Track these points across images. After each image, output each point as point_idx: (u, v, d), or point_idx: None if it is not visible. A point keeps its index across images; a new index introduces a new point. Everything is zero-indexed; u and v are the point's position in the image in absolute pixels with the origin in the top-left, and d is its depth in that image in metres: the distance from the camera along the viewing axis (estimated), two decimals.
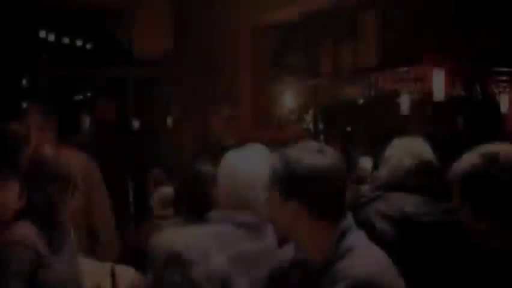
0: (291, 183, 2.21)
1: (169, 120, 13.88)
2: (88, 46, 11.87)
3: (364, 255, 2.21)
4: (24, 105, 13.02)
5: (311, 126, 12.67)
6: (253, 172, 2.64)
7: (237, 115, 5.05)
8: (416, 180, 3.22)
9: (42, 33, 11.18)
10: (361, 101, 9.37)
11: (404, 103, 8.12)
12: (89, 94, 14.25)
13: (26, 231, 3.06)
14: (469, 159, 2.55)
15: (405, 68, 6.56)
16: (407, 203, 3.15)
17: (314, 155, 2.21)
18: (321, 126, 12.82)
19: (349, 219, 2.28)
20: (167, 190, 9.10)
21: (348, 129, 12.24)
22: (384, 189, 3.26)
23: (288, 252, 2.43)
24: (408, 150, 3.28)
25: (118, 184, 5.99)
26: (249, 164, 2.66)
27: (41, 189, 3.15)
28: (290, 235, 2.34)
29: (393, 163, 3.27)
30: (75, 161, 3.34)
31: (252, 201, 2.65)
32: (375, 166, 5.62)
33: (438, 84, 6.31)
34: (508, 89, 7.01)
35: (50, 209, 3.14)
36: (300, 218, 2.22)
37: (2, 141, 4.05)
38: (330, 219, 2.23)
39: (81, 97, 14.84)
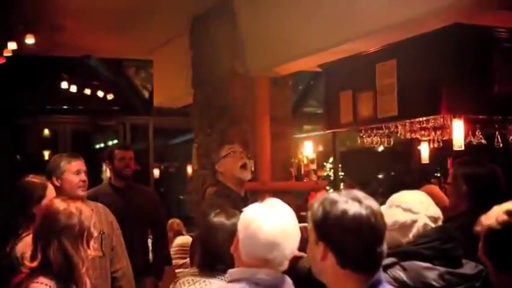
0: (322, 225, 2.22)
1: (189, 169, 13.96)
2: (109, 96, 11.97)
3: None
4: (47, 154, 13.21)
5: (332, 173, 12.67)
6: (273, 231, 2.64)
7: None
8: (438, 248, 3.16)
9: (64, 84, 11.31)
10: (381, 149, 9.39)
11: (424, 152, 8.12)
12: (110, 143, 14.37)
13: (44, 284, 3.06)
14: (495, 215, 2.55)
15: (424, 118, 6.55)
16: (429, 274, 3.09)
17: (351, 202, 2.21)
18: (341, 173, 12.83)
19: (380, 274, 2.27)
20: (185, 239, 9.12)
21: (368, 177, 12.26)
22: (400, 256, 3.18)
23: None
24: (428, 212, 3.22)
25: (136, 233, 6.00)
26: (269, 223, 2.66)
27: (54, 243, 3.14)
28: (320, 277, 2.34)
29: (413, 230, 3.19)
30: (90, 212, 3.35)
31: (271, 260, 2.65)
32: None
33: (458, 133, 6.29)
34: None
35: (66, 262, 3.13)
36: (328, 262, 2.23)
37: (18, 193, 4.11)
38: (358, 269, 2.22)
39: (102, 145, 14.96)
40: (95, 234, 3.28)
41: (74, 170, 4.75)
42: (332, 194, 2.27)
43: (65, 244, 3.13)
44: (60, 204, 3.23)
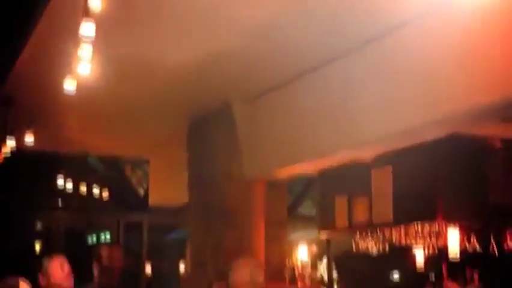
0: None
1: (182, 266, 13.84)
2: (105, 194, 12.00)
3: None
4: (38, 247, 13.13)
5: (325, 275, 12.57)
6: None
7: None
8: None
9: (60, 181, 11.34)
10: (375, 254, 9.35)
11: (419, 258, 8.10)
12: (103, 238, 14.31)
13: None
14: None
15: (420, 224, 6.58)
16: None
17: None
18: (334, 276, 12.71)
19: None
20: None
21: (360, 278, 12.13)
22: None
23: None
24: None
25: None
26: None
27: None
28: None
29: None
30: None
31: None
32: None
33: (453, 241, 6.32)
34: None
35: None
36: None
37: None
38: None
39: (95, 241, 14.88)
40: None
41: (57, 265, 4.79)
42: None
43: None
44: None
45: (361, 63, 5.68)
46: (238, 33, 5.53)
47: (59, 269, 4.78)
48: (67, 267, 4.84)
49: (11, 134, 7.76)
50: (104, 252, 6.13)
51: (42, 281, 4.68)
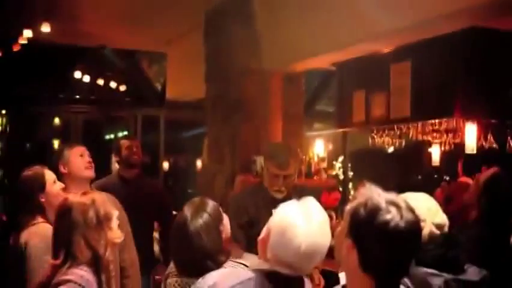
0: (359, 227, 2.20)
1: (199, 163, 13.96)
2: (122, 88, 11.99)
3: None
4: (57, 143, 13.25)
5: (341, 172, 12.65)
6: (308, 245, 2.61)
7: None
8: (443, 255, 3.14)
9: (77, 74, 11.32)
10: (391, 150, 9.37)
11: (435, 154, 8.11)
12: (120, 134, 14.39)
13: (81, 272, 3.08)
14: None
15: (437, 120, 6.55)
16: (435, 281, 3.08)
17: (394, 212, 2.18)
18: (350, 173, 12.80)
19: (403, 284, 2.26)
20: None
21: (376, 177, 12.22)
22: None
23: None
24: (434, 220, 3.20)
25: (143, 224, 5.99)
26: (305, 235, 2.62)
27: (75, 239, 3.15)
28: (339, 264, 2.33)
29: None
30: (103, 197, 3.38)
31: (297, 267, 2.65)
32: None
33: (471, 137, 6.29)
34: None
35: (91, 254, 3.14)
36: (351, 258, 2.21)
37: (18, 189, 4.19)
38: (377, 277, 2.20)
39: (112, 137, 14.98)
40: (115, 214, 3.30)
41: (77, 153, 4.78)
42: (376, 198, 2.21)
43: (87, 238, 3.14)
44: (73, 200, 3.25)
45: None
46: None
47: (79, 157, 4.80)
48: (87, 156, 4.85)
49: (28, 24, 7.73)
50: (124, 145, 6.20)
51: (63, 170, 4.71)
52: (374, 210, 2.18)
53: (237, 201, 4.94)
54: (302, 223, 2.61)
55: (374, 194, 2.24)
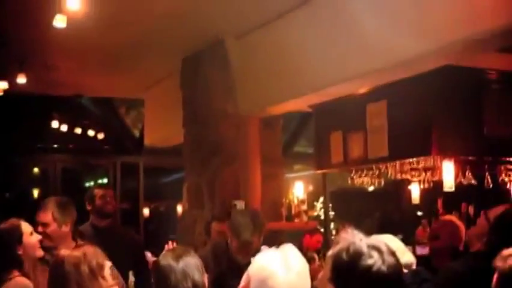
0: (342, 273, 2.23)
1: (179, 208, 13.91)
2: (100, 136, 11.97)
3: None
4: (36, 192, 13.17)
5: (322, 213, 12.63)
6: (286, 285, 2.61)
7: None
8: None
9: (55, 124, 11.30)
10: (371, 189, 9.39)
11: (414, 192, 8.14)
12: (100, 181, 14.34)
13: None
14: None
15: (415, 159, 6.58)
16: None
17: (376, 256, 2.21)
18: (331, 213, 12.79)
19: None
20: None
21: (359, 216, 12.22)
22: None
23: None
24: (403, 260, 3.22)
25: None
26: (285, 283, 2.62)
27: None
28: None
29: None
30: (93, 248, 3.40)
31: None
32: None
33: (448, 174, 6.32)
34: None
35: None
36: None
37: None
38: None
39: (92, 184, 14.91)
40: (107, 265, 3.31)
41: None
42: (358, 243, 2.25)
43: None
44: (64, 254, 3.28)
45: None
46: None
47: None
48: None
49: (2, 75, 7.72)
50: (97, 195, 6.16)
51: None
52: (356, 255, 2.20)
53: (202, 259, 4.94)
54: (282, 272, 2.60)
55: (355, 238, 2.25)
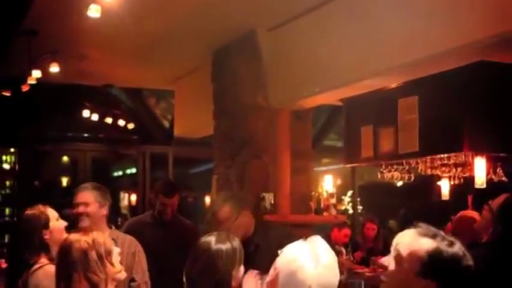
0: (438, 264, 2.42)
1: (207, 199, 13.96)
2: (130, 126, 12.03)
3: None
4: (65, 181, 13.28)
5: (350, 207, 12.63)
6: (319, 283, 2.62)
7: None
8: None
9: (86, 113, 11.38)
10: (400, 184, 9.34)
11: (444, 188, 8.10)
12: (128, 171, 14.43)
13: None
14: None
15: (446, 155, 6.54)
16: None
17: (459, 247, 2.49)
18: (359, 207, 12.79)
19: None
20: None
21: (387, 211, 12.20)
22: None
23: None
24: None
25: (176, 266, 5.99)
26: (314, 276, 2.63)
27: (75, 275, 3.19)
28: None
29: None
30: (103, 235, 3.42)
31: None
32: None
33: (480, 171, 6.28)
34: None
35: None
36: None
37: (21, 228, 4.24)
38: None
39: (120, 173, 15.02)
40: (115, 250, 3.32)
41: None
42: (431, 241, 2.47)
43: (86, 275, 3.17)
44: (72, 238, 3.30)
45: None
46: None
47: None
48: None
49: (35, 64, 7.79)
50: (161, 199, 6.37)
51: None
52: (457, 254, 2.44)
53: None
54: (311, 265, 2.60)
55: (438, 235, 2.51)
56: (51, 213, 4.29)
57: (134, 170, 13.71)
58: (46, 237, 4.13)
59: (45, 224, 4.17)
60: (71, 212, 4.89)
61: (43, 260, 4.04)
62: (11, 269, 4.77)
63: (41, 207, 4.30)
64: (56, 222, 4.25)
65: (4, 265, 7.61)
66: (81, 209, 4.84)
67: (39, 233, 4.13)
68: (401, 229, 2.73)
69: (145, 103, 12.97)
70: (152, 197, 6.62)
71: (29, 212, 4.28)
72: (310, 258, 2.62)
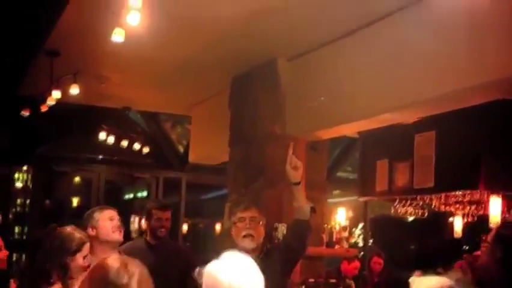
0: None
1: (217, 226, 13.96)
2: (145, 149, 12.06)
3: None
4: (75, 201, 13.32)
5: (360, 240, 12.58)
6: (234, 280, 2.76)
7: None
8: None
9: (102, 135, 11.42)
10: (411, 219, 9.32)
11: (457, 225, 8.07)
12: (139, 194, 14.45)
13: None
14: None
15: (461, 192, 6.53)
16: None
17: None
18: (370, 241, 12.74)
19: None
20: None
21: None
22: None
23: None
24: None
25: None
26: (230, 276, 2.79)
27: None
28: None
29: None
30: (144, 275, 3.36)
31: None
32: None
33: (495, 210, 6.27)
34: None
35: None
36: None
37: (56, 241, 4.15)
38: None
39: (131, 196, 15.04)
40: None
41: (107, 217, 4.86)
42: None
43: None
44: (112, 262, 3.25)
45: (406, 23, 5.59)
46: None
47: (108, 221, 4.84)
48: (117, 220, 4.90)
49: (56, 85, 7.85)
50: (155, 214, 6.31)
51: (91, 232, 4.73)
52: None
53: None
54: (223, 269, 2.83)
55: None
56: (87, 247, 4.21)
57: (145, 194, 13.73)
58: (70, 261, 4.08)
59: (77, 251, 4.11)
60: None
61: (55, 284, 4.01)
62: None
63: (84, 234, 4.28)
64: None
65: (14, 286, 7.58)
66: (117, 222, 4.87)
67: (70, 254, 4.08)
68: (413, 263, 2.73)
69: (161, 127, 13.02)
70: (144, 220, 6.56)
71: (71, 231, 4.22)
72: (229, 273, 2.79)
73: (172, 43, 7.00)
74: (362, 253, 10.85)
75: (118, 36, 5.39)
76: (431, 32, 5.35)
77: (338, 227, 7.66)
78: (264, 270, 2.96)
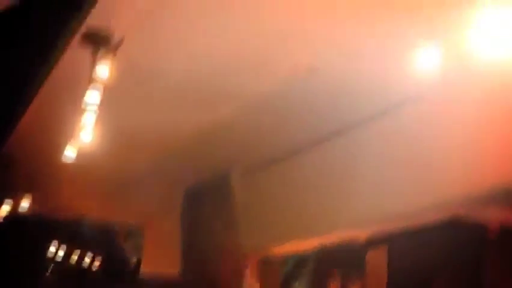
0: None
1: None
2: (96, 261, 11.84)
3: None
4: None
5: None
6: None
7: None
8: None
9: (52, 248, 11.21)
10: None
11: None
12: None
13: None
14: None
15: None
16: None
17: None
18: None
19: None
20: None
21: None
22: None
23: None
24: None
25: None
26: None
27: None
28: None
29: None
30: None
31: None
32: None
33: None
34: None
35: None
36: None
37: None
38: None
39: None
40: None
41: None
42: None
43: None
44: None
45: (360, 143, 5.71)
46: (238, 106, 5.55)
47: None
48: None
49: (9, 196, 7.75)
50: None
51: None
52: None
53: None
54: None
55: None
56: None
57: None
58: None
59: None
60: None
61: None
62: None
63: None
64: None
65: None
66: None
67: None
68: None
69: (113, 240, 12.84)
70: None
71: None
72: None
73: (123, 158, 7.07)
74: None
75: (70, 152, 5.40)
76: (383, 152, 5.46)
77: None
78: None
